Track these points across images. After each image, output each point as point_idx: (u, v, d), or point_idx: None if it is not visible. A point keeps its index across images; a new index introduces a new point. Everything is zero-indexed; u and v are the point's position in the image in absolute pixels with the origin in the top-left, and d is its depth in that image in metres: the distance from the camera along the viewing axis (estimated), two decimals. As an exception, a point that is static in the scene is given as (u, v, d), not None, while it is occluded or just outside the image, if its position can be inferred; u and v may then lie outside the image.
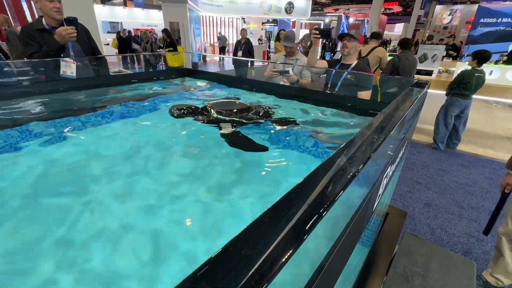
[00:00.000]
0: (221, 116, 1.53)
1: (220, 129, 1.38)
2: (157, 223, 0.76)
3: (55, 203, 0.83)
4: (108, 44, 10.59)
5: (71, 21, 1.87)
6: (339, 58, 2.32)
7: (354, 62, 2.18)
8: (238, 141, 1.27)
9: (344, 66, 2.20)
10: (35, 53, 1.88)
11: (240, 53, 6.46)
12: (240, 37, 6.72)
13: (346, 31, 16.16)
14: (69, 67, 1.85)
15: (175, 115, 1.53)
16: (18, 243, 0.68)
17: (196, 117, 1.52)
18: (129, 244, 0.70)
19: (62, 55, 1.93)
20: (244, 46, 6.53)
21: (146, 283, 0.60)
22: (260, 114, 1.60)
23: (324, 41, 11.34)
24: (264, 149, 1.22)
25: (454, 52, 8.49)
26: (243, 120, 1.51)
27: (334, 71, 2.18)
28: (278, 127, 1.45)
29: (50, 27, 1.93)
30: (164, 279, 0.61)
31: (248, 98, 2.06)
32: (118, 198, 0.86)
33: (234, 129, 1.38)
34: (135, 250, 0.68)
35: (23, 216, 0.77)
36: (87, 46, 2.16)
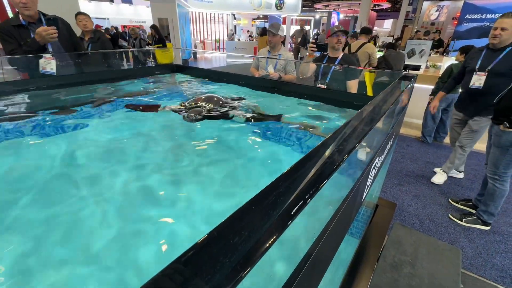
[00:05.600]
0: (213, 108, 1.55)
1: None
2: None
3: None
4: (95, 41, 10.33)
5: (52, 21, 1.82)
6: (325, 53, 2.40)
7: (340, 55, 2.31)
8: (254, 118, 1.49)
9: (331, 60, 2.30)
10: (14, 51, 1.83)
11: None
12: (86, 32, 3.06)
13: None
14: (48, 64, 1.81)
15: (194, 119, 1.43)
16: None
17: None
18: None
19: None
20: (92, 46, 3.03)
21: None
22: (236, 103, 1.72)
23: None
24: (278, 117, 1.49)
25: (441, 48, 8.66)
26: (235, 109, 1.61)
27: (322, 65, 2.25)
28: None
29: (27, 23, 1.88)
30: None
31: (236, 92, 2.06)
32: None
33: None
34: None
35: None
36: (68, 41, 2.10)
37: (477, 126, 2.50)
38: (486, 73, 2.25)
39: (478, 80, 2.29)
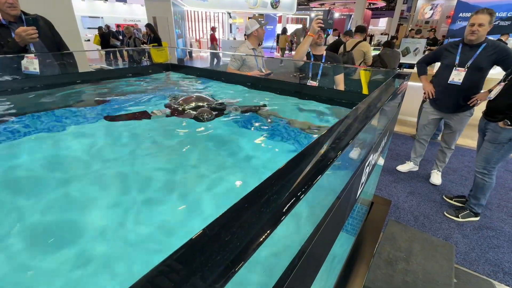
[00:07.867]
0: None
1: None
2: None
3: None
4: (89, 40, 10.23)
5: (31, 20, 1.77)
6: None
7: (324, 52, 2.35)
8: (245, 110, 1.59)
9: (316, 57, 2.34)
10: None
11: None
12: None
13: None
14: (31, 63, 1.77)
15: (205, 119, 1.41)
16: None
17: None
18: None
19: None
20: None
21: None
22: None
23: None
24: (263, 106, 1.65)
25: (434, 47, 8.75)
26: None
27: (311, 63, 2.30)
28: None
29: (7, 22, 1.83)
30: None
31: (231, 91, 2.06)
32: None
33: None
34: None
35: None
36: (50, 41, 2.06)
37: (460, 126, 2.58)
38: (466, 69, 2.29)
39: (457, 75, 2.34)
